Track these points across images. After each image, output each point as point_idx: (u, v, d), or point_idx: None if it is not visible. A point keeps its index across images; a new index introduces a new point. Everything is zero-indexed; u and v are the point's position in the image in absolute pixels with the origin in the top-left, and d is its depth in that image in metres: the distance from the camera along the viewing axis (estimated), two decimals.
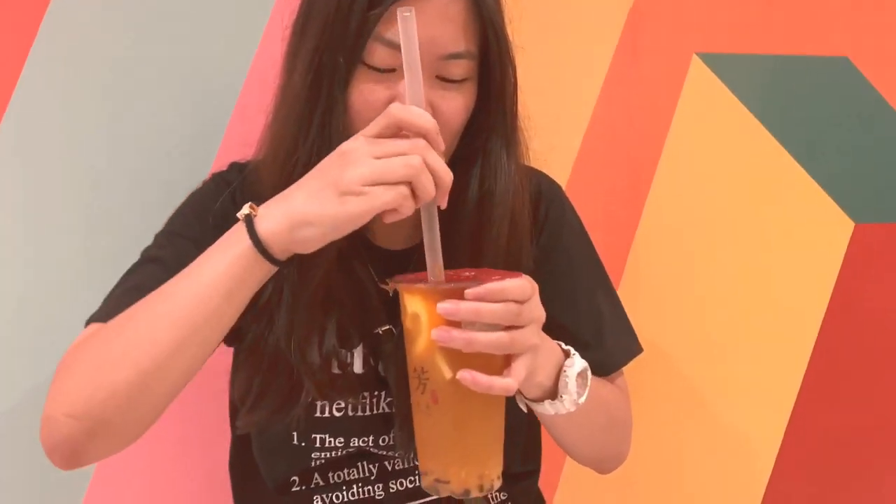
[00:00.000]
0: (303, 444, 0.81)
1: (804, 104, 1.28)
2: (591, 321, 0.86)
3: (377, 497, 0.83)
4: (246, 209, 0.67)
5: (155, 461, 1.03)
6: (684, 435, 1.26)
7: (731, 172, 1.26)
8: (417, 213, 0.67)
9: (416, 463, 0.82)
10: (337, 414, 0.80)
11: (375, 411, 0.82)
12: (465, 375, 0.64)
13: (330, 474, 0.83)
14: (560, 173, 1.19)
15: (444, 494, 0.68)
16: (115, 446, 0.69)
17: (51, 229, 1.01)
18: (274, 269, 0.67)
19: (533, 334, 0.67)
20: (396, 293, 0.73)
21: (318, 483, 0.83)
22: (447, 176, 0.65)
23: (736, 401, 1.27)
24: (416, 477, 0.83)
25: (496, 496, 0.87)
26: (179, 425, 1.04)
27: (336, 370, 0.79)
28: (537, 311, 0.68)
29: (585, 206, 1.16)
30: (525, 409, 0.76)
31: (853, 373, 1.31)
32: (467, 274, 0.69)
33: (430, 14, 0.70)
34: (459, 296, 0.64)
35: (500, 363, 0.66)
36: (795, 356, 1.29)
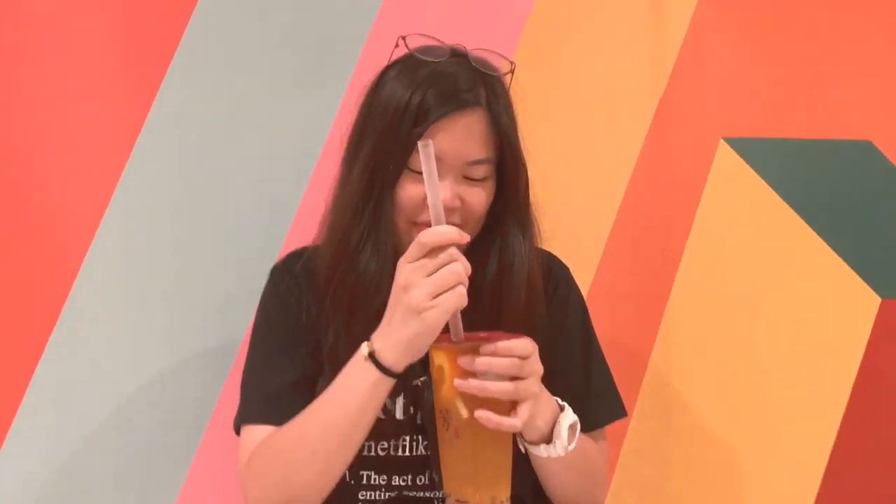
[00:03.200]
0: (352, 482, 0.95)
1: (829, 185, 1.32)
2: (581, 386, 1.00)
3: None
4: (365, 349, 0.83)
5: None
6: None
7: (758, 250, 1.30)
8: None
9: None
10: (381, 453, 0.94)
11: (414, 453, 0.95)
12: (482, 414, 0.80)
13: None
14: (594, 249, 1.26)
15: None
16: None
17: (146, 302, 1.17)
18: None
19: (533, 384, 0.82)
20: (429, 350, 0.89)
21: None
22: (468, 266, 0.82)
23: (764, 475, 1.29)
24: None
25: None
26: None
27: (381, 416, 0.91)
28: (537, 366, 0.83)
29: (617, 279, 1.24)
30: (524, 451, 0.89)
31: (881, 448, 1.32)
32: (481, 335, 0.83)
33: (459, 131, 0.90)
34: (476, 352, 0.80)
35: (507, 407, 0.81)
36: (823, 431, 1.30)
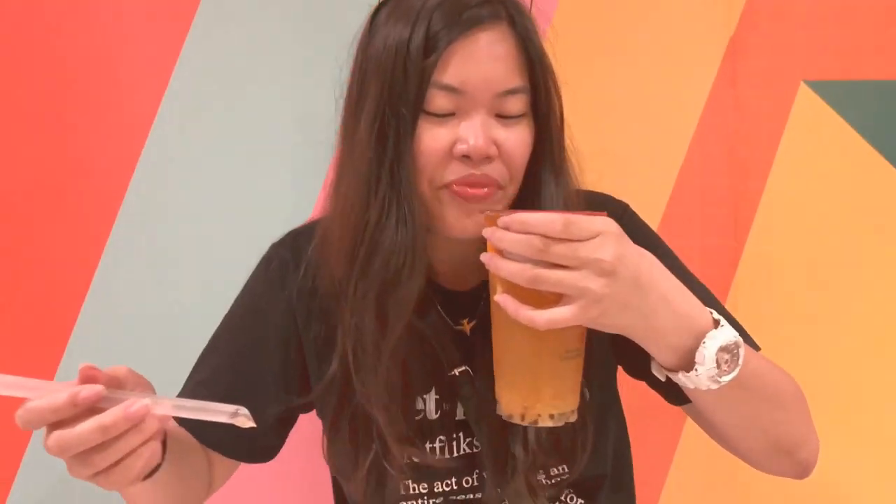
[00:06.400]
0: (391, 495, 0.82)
1: None
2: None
3: None
4: None
5: None
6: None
7: (845, 203, 1.20)
8: (476, 255, 0.69)
9: None
10: (416, 460, 0.80)
11: (456, 454, 0.81)
12: (499, 298, 0.65)
13: None
14: (654, 208, 1.19)
15: (497, 413, 0.70)
16: None
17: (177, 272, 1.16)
18: None
19: (584, 278, 0.62)
20: (471, 333, 0.82)
21: None
22: None
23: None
24: None
25: (570, 498, 0.85)
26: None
27: (414, 417, 0.80)
28: (594, 254, 0.62)
29: (682, 241, 1.13)
30: (662, 378, 0.72)
31: None
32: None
33: (481, 52, 0.74)
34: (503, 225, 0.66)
35: (551, 301, 0.64)
36: None
